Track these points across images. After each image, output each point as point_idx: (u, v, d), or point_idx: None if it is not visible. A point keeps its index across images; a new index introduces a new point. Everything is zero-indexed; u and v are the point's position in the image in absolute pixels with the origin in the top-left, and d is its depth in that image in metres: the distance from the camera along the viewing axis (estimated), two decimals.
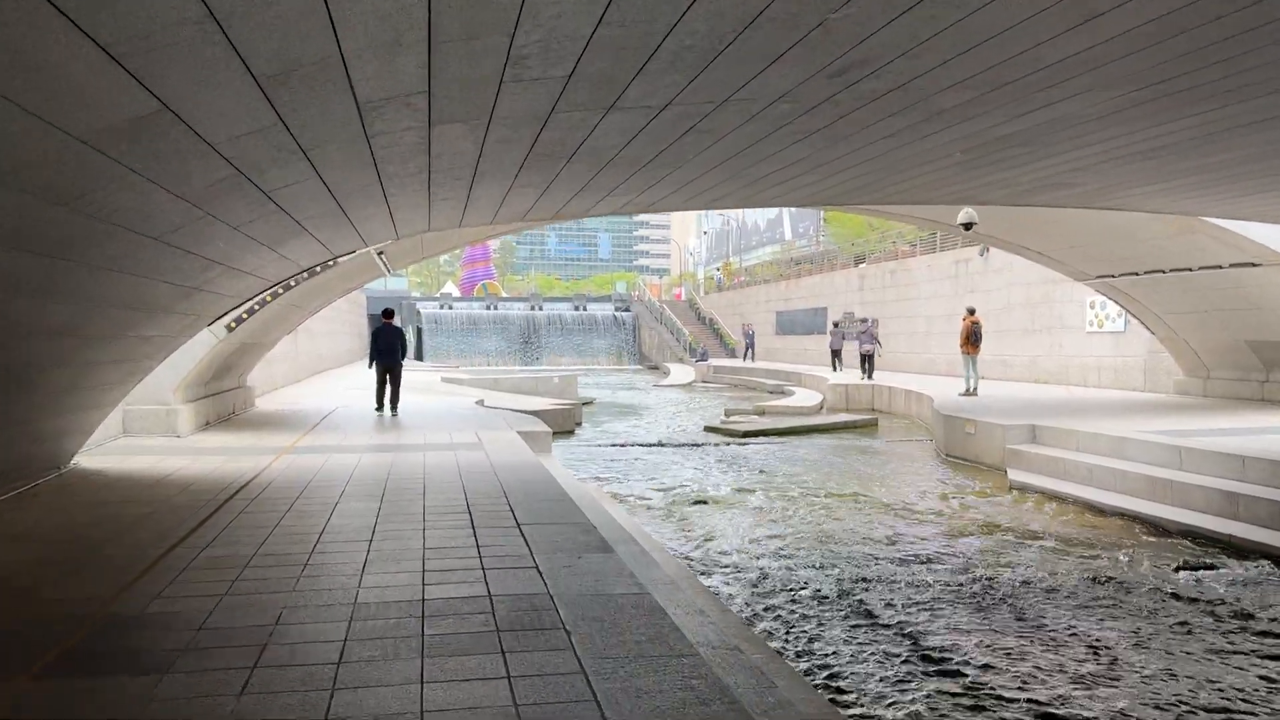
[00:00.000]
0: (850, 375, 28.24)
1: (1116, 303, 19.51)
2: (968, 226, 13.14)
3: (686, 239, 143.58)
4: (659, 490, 12.58)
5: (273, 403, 18.33)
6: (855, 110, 5.79)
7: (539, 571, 5.26)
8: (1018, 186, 9.16)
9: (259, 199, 5.47)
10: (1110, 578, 8.17)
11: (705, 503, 11.76)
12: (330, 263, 12.20)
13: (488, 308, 58.59)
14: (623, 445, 17.37)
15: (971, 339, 19.75)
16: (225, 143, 4.17)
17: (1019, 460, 13.40)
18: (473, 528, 6.55)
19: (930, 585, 7.92)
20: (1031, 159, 7.59)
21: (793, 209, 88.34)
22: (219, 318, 9.45)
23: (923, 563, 8.79)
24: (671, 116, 5.34)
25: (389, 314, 15.88)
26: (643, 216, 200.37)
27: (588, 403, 27.35)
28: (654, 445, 17.36)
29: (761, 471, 14.31)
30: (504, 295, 70.79)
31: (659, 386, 36.29)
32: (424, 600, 4.71)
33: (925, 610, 7.19)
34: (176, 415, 12.03)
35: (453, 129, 5.00)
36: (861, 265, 36.15)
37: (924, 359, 30.05)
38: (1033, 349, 24.64)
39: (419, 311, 56.25)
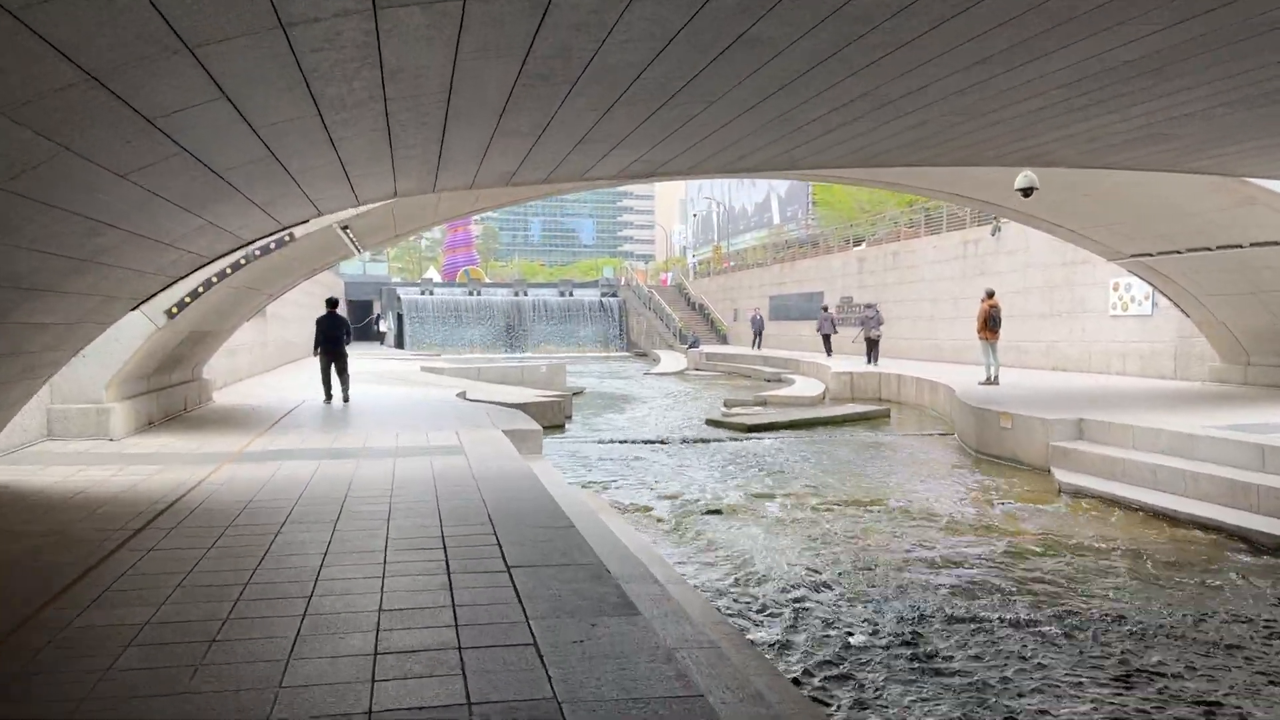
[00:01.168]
0: (850, 362, 26.81)
1: (1150, 284, 18.12)
2: (1027, 193, 11.67)
3: (671, 224, 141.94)
4: (665, 498, 11.06)
5: (234, 396, 16.69)
6: (959, 14, 4.27)
7: (539, 654, 3.73)
8: (1101, 141, 7.67)
9: (140, 129, 3.88)
10: (1220, 614, 6.72)
11: (719, 513, 10.26)
12: (286, 238, 10.60)
13: (470, 294, 56.87)
14: (618, 442, 15.84)
15: (990, 323, 18.32)
16: (32, 7, 2.59)
17: (1066, 459, 11.97)
18: (447, 573, 5.02)
19: (1007, 626, 6.45)
20: (1146, 98, 6.09)
21: (781, 192, 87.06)
22: (146, 300, 7.85)
23: (989, 594, 7.32)
24: (720, 11, 3.80)
25: (333, 303, 16.05)
26: (627, 201, 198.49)
27: (577, 393, 25.81)
28: (653, 442, 15.84)
29: (775, 472, 12.83)
30: (487, 281, 69.07)
31: (650, 375, 34.79)
32: (370, 716, 3.17)
33: (1014, 663, 5.72)
34: (109, 415, 10.41)
35: (410, 19, 3.43)
36: (860, 247, 34.69)
37: (928, 345, 28.65)
38: (1051, 334, 23.24)
39: (399, 298, 54.49)
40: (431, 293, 56.88)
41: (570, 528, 6.08)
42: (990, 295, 18.58)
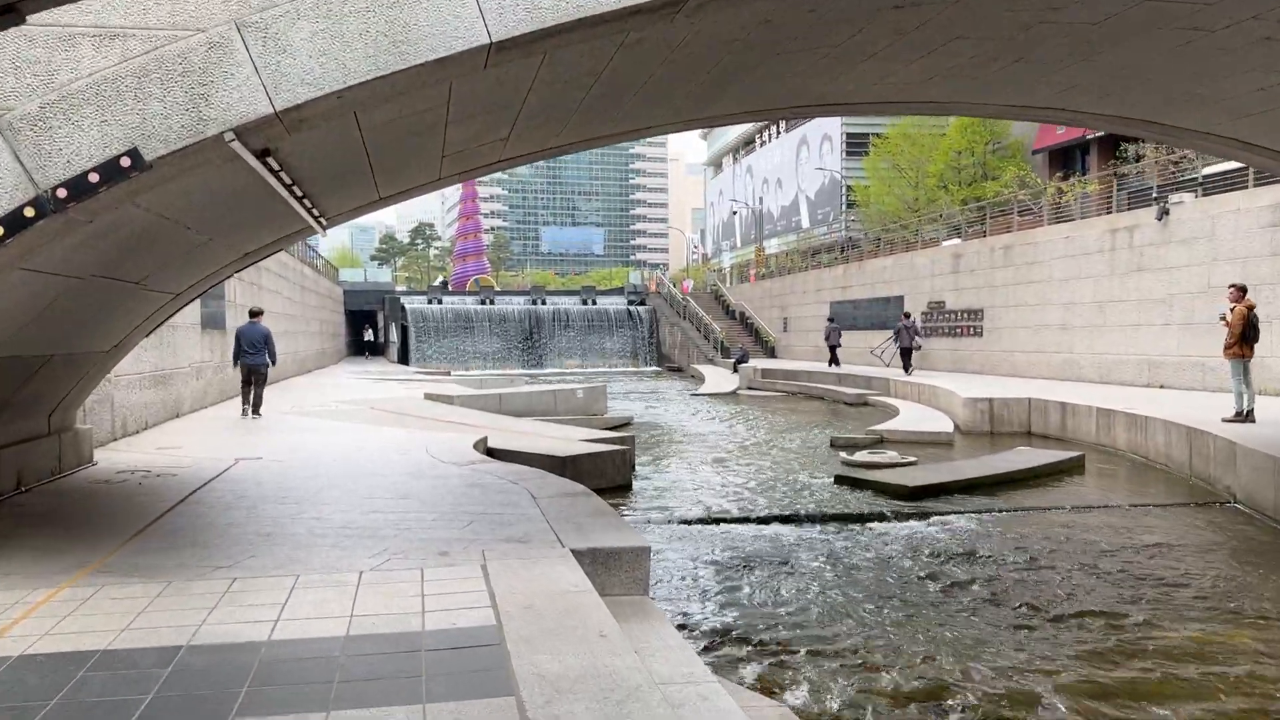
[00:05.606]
0: (977, 385, 21.11)
1: None
2: None
3: (685, 231, 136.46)
4: (911, 697, 5.41)
5: (143, 449, 11.13)
6: None
7: None
8: None
9: None
10: None
11: None
12: (125, 161, 5.04)
13: (483, 303, 51.32)
14: (724, 521, 10.21)
15: (1246, 335, 12.67)
16: None
17: None
18: None
19: None
20: None
21: (810, 194, 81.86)
22: None
23: None
24: None
25: (255, 312, 15.62)
26: (639, 210, 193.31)
27: (623, 424, 20.22)
28: (779, 519, 10.19)
29: (1031, 608, 7.17)
30: (498, 289, 63.70)
31: (697, 397, 29.10)
32: None
33: None
34: None
35: None
36: (954, 242, 28.96)
37: (1059, 360, 22.92)
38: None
39: (404, 307, 48.97)
40: (439, 301, 51.33)
41: None
42: (1243, 292, 12.90)
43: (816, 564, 8.33)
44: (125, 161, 5.03)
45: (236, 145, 5.22)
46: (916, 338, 25.68)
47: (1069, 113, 10.82)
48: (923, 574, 8.00)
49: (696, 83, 8.43)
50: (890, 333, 27.37)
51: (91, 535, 6.40)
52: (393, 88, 5.38)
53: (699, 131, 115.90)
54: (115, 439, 11.98)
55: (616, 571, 5.86)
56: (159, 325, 10.12)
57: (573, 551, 5.77)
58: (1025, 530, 9.70)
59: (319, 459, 10.15)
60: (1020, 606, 7.09)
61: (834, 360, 30.51)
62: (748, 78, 8.65)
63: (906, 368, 25.82)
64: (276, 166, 6.21)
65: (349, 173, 7.60)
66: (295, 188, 6.96)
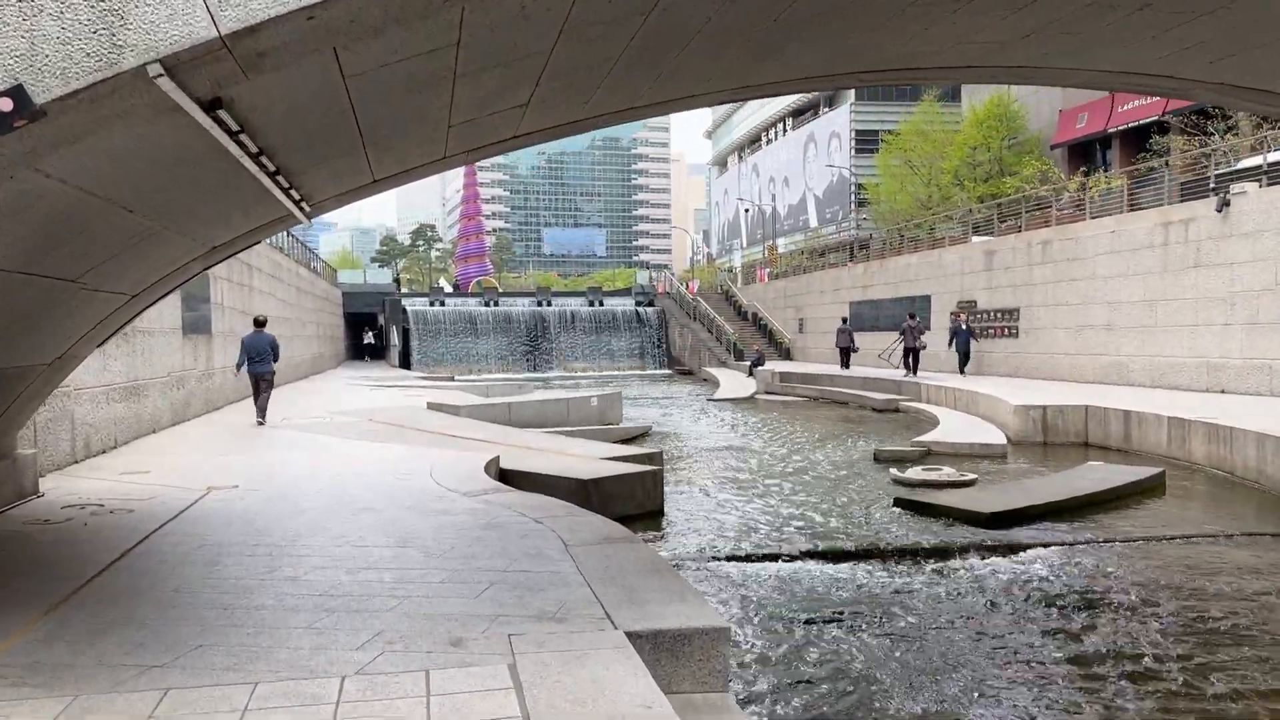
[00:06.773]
0: (1021, 390, 19.62)
1: None
2: None
3: (692, 232, 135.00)
4: None
5: (109, 473, 9.67)
6: None
7: None
8: None
9: None
10: None
11: None
12: (4, 106, 3.54)
13: (487, 304, 49.86)
14: (776, 557, 8.72)
15: None
16: None
17: None
18: None
19: None
20: None
21: (819, 192, 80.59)
22: None
23: None
24: None
25: (260, 322, 15.51)
26: (642, 210, 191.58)
27: (641, 435, 18.79)
28: (842, 554, 8.71)
29: (1194, 689, 5.71)
30: (501, 290, 62.29)
31: (714, 402, 27.60)
32: None
33: None
34: None
35: None
36: (984, 238, 27.47)
37: (1104, 363, 21.42)
38: None
39: (405, 309, 47.51)
40: (442, 303, 49.87)
41: None
42: None
43: (910, 618, 6.85)
44: (5, 104, 3.57)
45: (167, 84, 3.76)
46: (913, 340, 25.79)
47: (1174, 80, 9.30)
48: (1043, 631, 6.53)
49: (754, 36, 6.95)
50: (897, 333, 27.39)
51: (10, 603, 4.94)
52: (384, 8, 3.93)
53: (704, 131, 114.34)
54: (76, 461, 10.53)
55: (687, 661, 4.39)
56: (114, 333, 8.65)
57: (629, 635, 4.31)
58: (1137, 568, 8.22)
59: (304, 488, 8.68)
60: (1191, 687, 5.62)
61: (845, 363, 30.49)
62: (813, 31, 7.17)
63: (911, 368, 25.92)
64: (235, 126, 4.75)
65: (333, 140, 6.12)
66: (264, 158, 5.50)
